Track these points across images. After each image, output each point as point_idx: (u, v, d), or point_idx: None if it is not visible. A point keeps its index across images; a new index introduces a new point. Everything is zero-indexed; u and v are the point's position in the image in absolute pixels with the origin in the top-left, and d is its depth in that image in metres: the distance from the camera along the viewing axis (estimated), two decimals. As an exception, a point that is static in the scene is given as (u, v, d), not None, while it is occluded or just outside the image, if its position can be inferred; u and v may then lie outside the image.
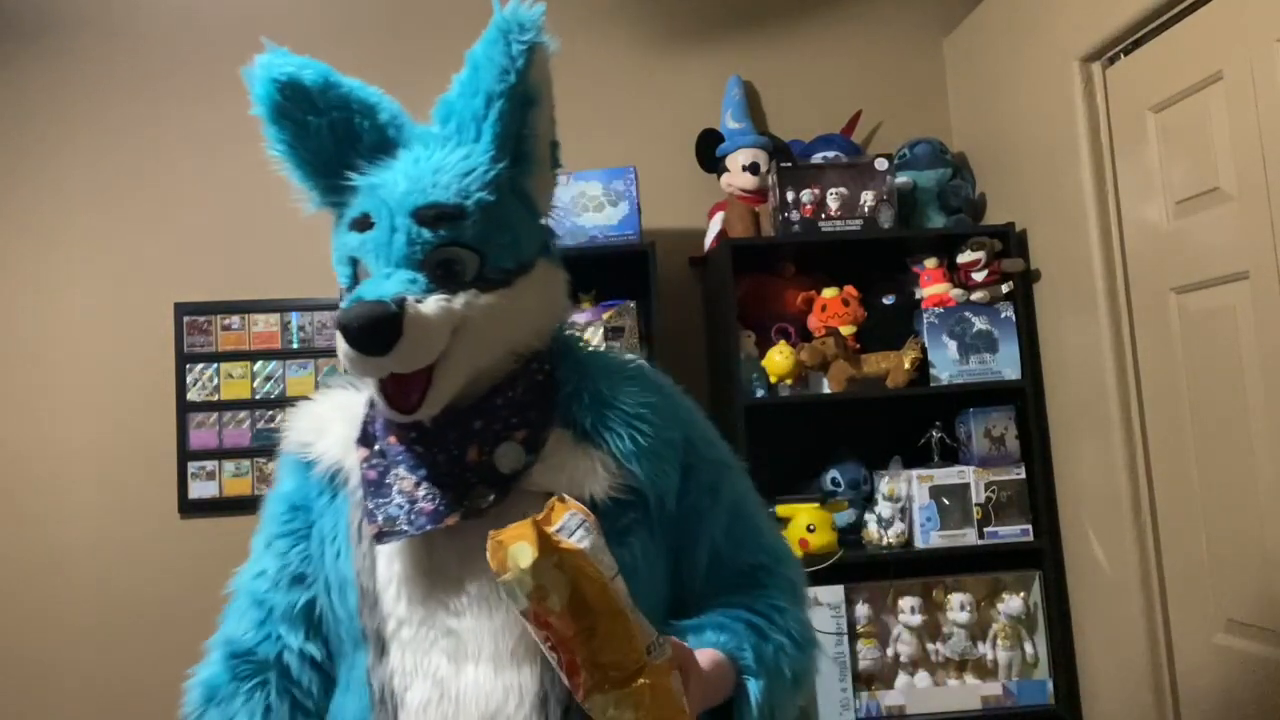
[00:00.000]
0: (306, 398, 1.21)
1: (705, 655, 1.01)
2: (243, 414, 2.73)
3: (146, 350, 2.72)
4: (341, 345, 0.97)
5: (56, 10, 2.79)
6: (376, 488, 1.06)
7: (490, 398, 1.05)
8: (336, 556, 1.10)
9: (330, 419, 1.15)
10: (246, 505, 2.68)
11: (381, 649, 1.03)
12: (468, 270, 1.02)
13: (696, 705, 0.95)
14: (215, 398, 2.72)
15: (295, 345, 2.75)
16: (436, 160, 1.04)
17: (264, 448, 2.71)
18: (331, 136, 1.07)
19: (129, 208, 2.77)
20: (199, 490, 2.70)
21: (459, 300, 1.00)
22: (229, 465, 2.71)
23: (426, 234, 1.00)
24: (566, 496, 0.93)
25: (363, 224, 1.04)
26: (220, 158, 2.80)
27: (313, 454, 1.14)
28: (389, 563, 1.05)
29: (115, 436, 2.69)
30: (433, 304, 0.98)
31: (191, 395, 2.72)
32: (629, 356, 1.17)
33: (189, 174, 2.79)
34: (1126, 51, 2.18)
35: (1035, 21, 2.43)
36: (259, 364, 2.74)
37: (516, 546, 0.86)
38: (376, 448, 1.09)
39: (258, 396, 2.73)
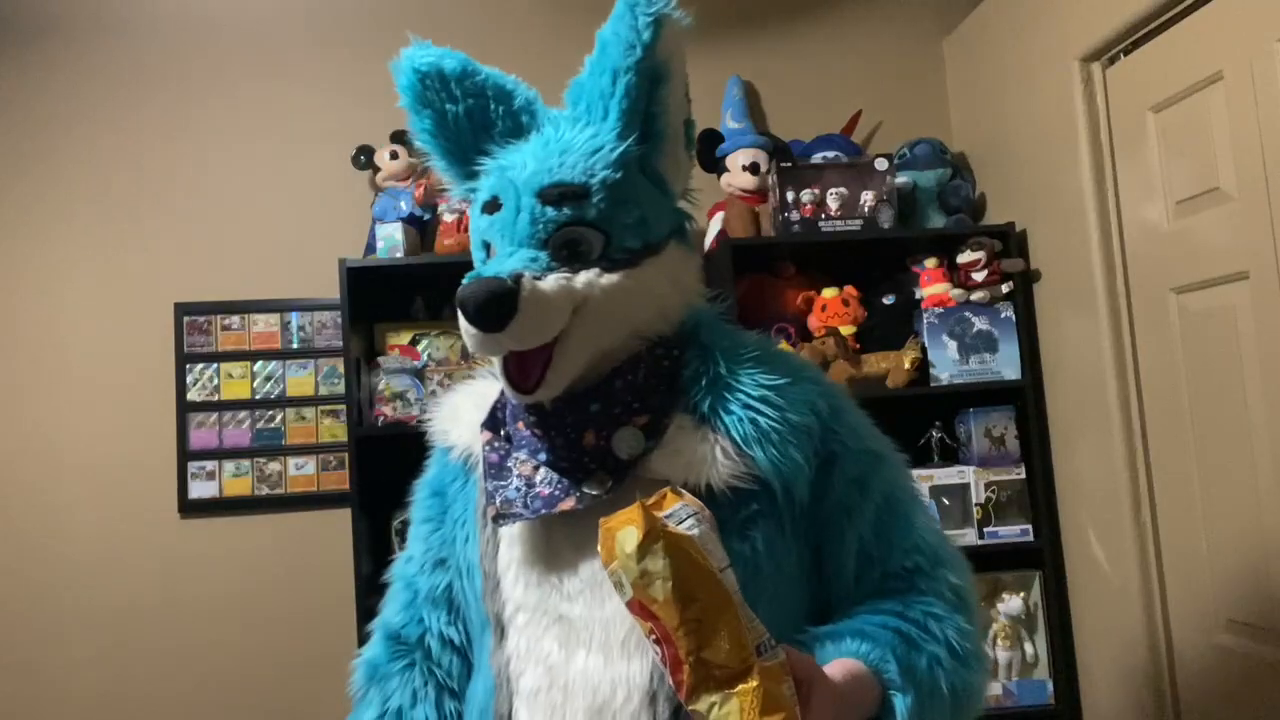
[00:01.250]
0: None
1: (840, 666, 0.93)
2: (243, 414, 2.73)
3: (146, 350, 2.72)
4: (462, 322, 0.98)
5: (56, 11, 2.79)
6: (497, 470, 1.07)
7: (609, 381, 1.03)
8: (465, 541, 1.12)
9: (465, 407, 1.17)
10: (246, 505, 2.71)
11: (502, 633, 1.04)
12: (593, 249, 1.01)
13: None
14: (215, 398, 2.72)
15: (295, 345, 2.75)
16: (564, 140, 1.03)
17: (264, 448, 2.72)
18: (469, 124, 1.09)
19: (129, 208, 2.77)
20: (199, 490, 2.69)
21: (580, 279, 0.99)
22: (229, 465, 2.71)
23: (550, 213, 1.00)
24: (681, 490, 0.89)
25: (492, 206, 1.04)
26: (221, 158, 2.80)
27: (449, 440, 1.16)
28: (509, 547, 1.06)
29: (115, 436, 2.69)
30: (552, 281, 0.98)
31: (191, 395, 2.72)
32: (761, 338, 1.12)
33: (189, 174, 2.79)
34: (1126, 51, 2.18)
35: (1035, 21, 2.43)
36: (259, 364, 2.74)
37: (624, 532, 0.83)
38: (502, 432, 1.10)
39: (258, 396, 2.73)
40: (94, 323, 2.73)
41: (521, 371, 1.00)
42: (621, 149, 1.02)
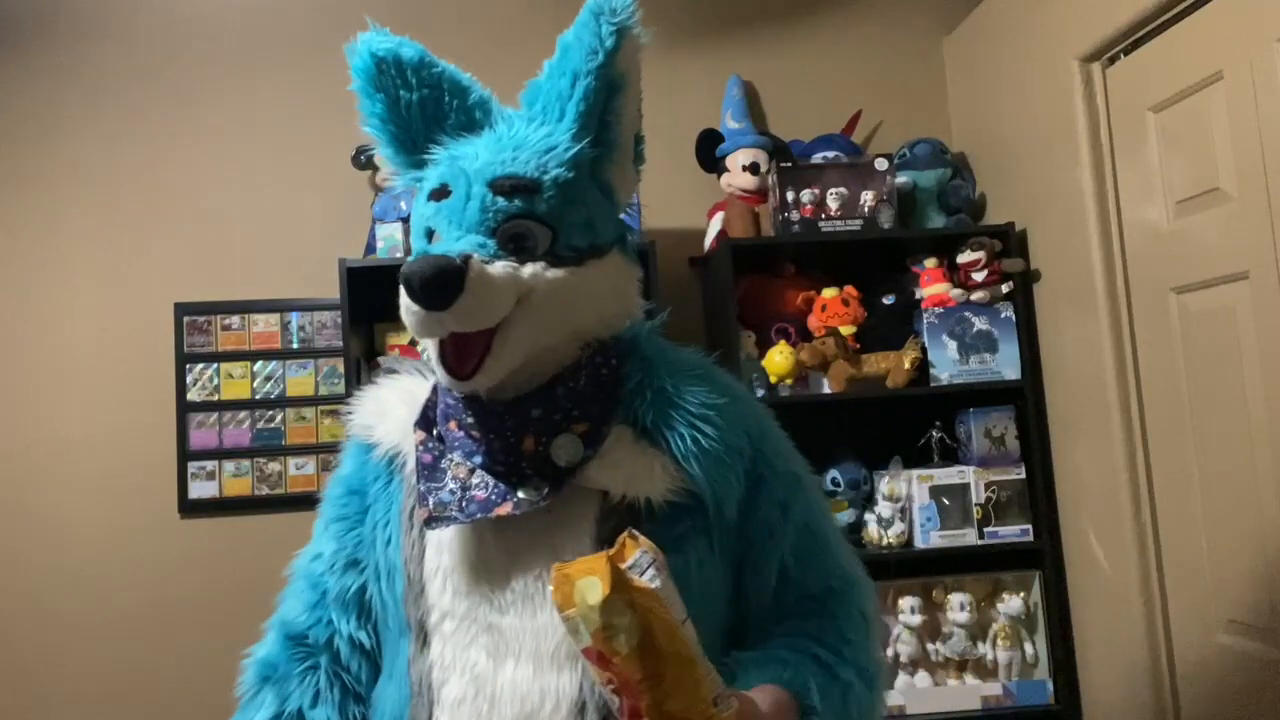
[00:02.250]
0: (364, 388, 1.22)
1: (765, 693, 0.96)
2: (243, 414, 2.73)
3: (146, 350, 2.72)
4: (403, 300, 0.96)
5: (56, 13, 2.78)
6: (430, 472, 1.05)
7: (551, 386, 1.03)
8: (387, 543, 1.09)
9: (393, 403, 1.15)
10: (246, 505, 2.72)
11: (424, 640, 1.02)
12: (539, 244, 1.01)
13: None
14: (215, 398, 2.72)
15: (295, 345, 2.75)
16: (519, 136, 1.04)
17: (264, 448, 2.72)
18: (421, 113, 1.10)
19: (129, 208, 2.77)
20: (199, 490, 2.69)
21: (527, 269, 0.99)
22: (229, 465, 2.71)
23: (501, 203, 1.00)
24: (637, 533, 0.88)
25: (440, 193, 1.04)
26: (221, 158, 2.80)
27: (374, 437, 1.14)
28: (437, 552, 1.04)
29: (115, 436, 2.69)
30: (499, 267, 0.98)
31: (191, 395, 2.72)
32: (700, 356, 1.13)
33: (189, 174, 2.79)
34: (1126, 51, 2.18)
35: (1035, 21, 2.43)
36: (259, 364, 2.74)
37: (585, 581, 0.82)
38: (435, 432, 1.08)
39: (258, 396, 2.73)
40: (94, 323, 2.73)
41: (459, 358, 0.98)
42: (575, 150, 1.02)
